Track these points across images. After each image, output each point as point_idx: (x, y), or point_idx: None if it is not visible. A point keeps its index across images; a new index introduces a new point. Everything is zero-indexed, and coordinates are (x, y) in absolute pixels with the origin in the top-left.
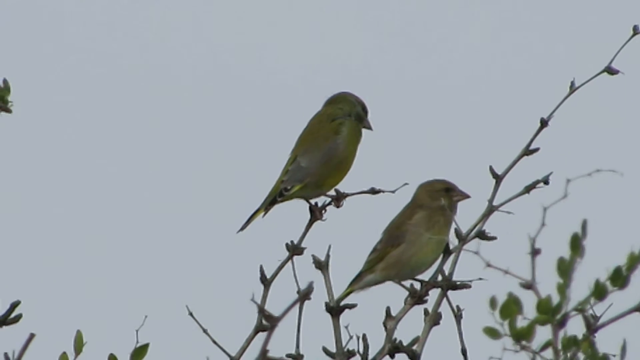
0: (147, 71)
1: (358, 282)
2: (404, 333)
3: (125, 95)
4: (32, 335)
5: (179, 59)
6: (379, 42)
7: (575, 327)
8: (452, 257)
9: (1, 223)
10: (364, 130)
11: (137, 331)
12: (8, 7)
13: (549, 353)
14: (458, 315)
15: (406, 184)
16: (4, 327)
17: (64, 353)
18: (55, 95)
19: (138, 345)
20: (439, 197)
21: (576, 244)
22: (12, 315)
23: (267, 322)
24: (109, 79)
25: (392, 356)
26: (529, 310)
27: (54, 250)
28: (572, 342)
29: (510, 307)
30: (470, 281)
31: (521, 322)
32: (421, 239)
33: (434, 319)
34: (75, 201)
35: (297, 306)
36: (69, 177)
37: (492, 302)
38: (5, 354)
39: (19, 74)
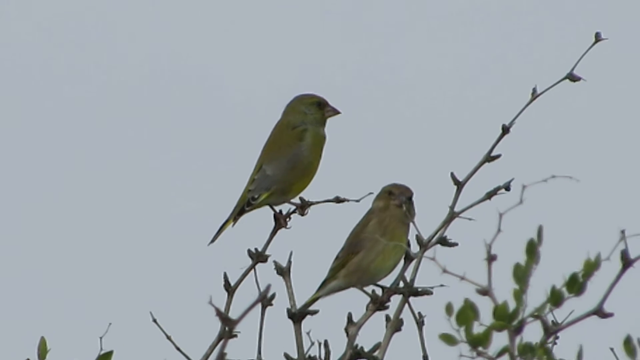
0: (113, 80)
1: (322, 289)
2: (366, 339)
3: (94, 105)
4: None
5: (145, 68)
6: (338, 48)
7: (532, 333)
8: (413, 263)
9: None
10: (328, 137)
11: (101, 338)
12: None
13: (505, 359)
14: (420, 322)
15: (371, 193)
16: None
17: (28, 359)
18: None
19: (102, 352)
20: (381, 199)
21: (532, 250)
22: None
23: (224, 326)
24: (73, 91)
25: None
26: (486, 316)
27: (18, 256)
28: (528, 349)
29: (467, 313)
30: (432, 287)
31: (478, 329)
32: (377, 246)
33: (395, 325)
34: (38, 209)
35: (258, 312)
36: (32, 182)
37: (449, 309)
38: None
39: None
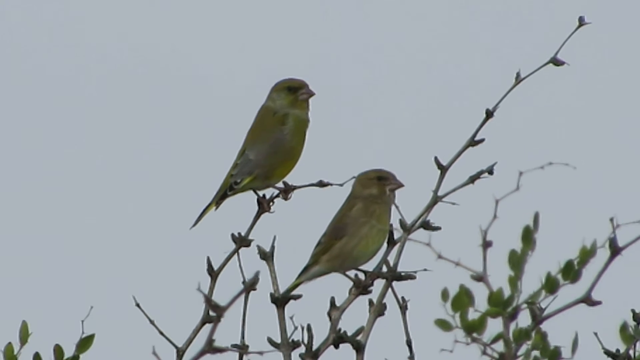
0: (96, 67)
1: (305, 274)
2: (349, 323)
3: (78, 93)
4: None
5: (130, 54)
6: (325, 30)
7: (527, 319)
8: (396, 247)
9: None
10: (311, 123)
11: (82, 322)
12: None
13: (500, 345)
14: (403, 307)
15: (354, 177)
16: None
17: (10, 343)
18: None
19: (84, 335)
20: (370, 186)
21: (528, 236)
22: None
23: (213, 312)
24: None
25: (336, 346)
26: (480, 302)
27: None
28: (523, 335)
29: (462, 300)
30: (415, 272)
31: (472, 315)
32: (361, 231)
33: (378, 309)
34: (23, 192)
35: (242, 297)
36: (17, 168)
37: (444, 294)
38: None
39: None
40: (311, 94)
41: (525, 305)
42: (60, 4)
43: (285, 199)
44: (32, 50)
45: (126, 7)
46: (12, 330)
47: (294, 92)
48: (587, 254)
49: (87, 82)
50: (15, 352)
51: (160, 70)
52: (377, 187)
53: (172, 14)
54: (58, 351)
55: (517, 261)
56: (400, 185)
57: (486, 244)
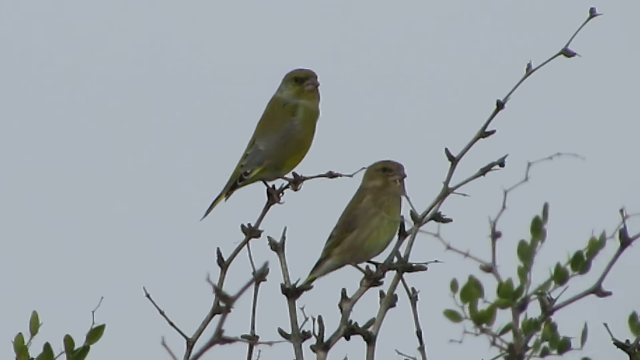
0: (110, 62)
1: (319, 269)
2: (360, 315)
3: (87, 86)
4: None
5: (140, 48)
6: (338, 22)
7: (536, 310)
8: (407, 239)
9: None
10: (321, 112)
11: (93, 312)
12: None
13: (509, 336)
14: (413, 298)
15: (363, 167)
16: None
17: (20, 334)
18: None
19: (94, 326)
20: (376, 177)
21: (537, 227)
22: None
23: (222, 303)
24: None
25: (347, 338)
26: (490, 293)
27: (10, 231)
28: (532, 326)
29: (471, 290)
30: (426, 263)
31: (481, 306)
32: (372, 223)
33: (389, 301)
34: (33, 185)
35: (252, 287)
36: (28, 161)
37: (453, 285)
38: None
39: None
40: (316, 85)
41: (534, 296)
42: (70, 2)
43: (295, 189)
44: (43, 49)
45: (137, 2)
46: (23, 321)
47: (300, 82)
48: (596, 245)
49: (102, 76)
50: (25, 343)
51: (172, 62)
52: (381, 178)
53: (183, 8)
54: (68, 341)
55: (526, 252)
56: (403, 177)
57: (495, 235)
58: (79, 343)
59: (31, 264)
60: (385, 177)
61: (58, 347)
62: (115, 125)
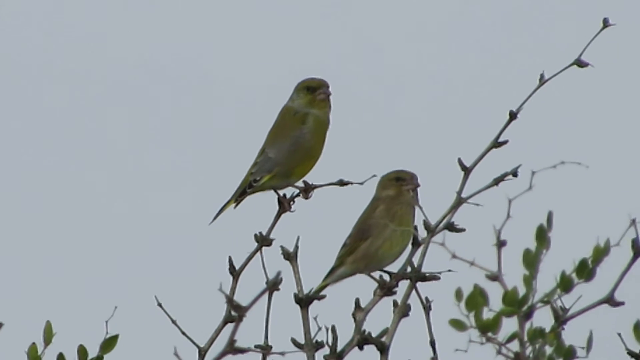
0: (119, 70)
1: (331, 276)
2: (373, 324)
3: (97, 94)
4: (0, 325)
5: (152, 58)
6: (346, 34)
7: (542, 319)
8: (420, 248)
9: None
10: (332, 120)
11: (106, 322)
12: None
13: (515, 345)
14: (427, 307)
15: (374, 175)
16: None
17: (34, 344)
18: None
19: (108, 336)
20: (389, 187)
21: (542, 235)
22: None
23: (235, 312)
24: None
25: (361, 347)
26: (495, 302)
27: (24, 240)
28: (538, 334)
29: (476, 299)
30: (439, 273)
31: (487, 314)
32: (385, 232)
33: (402, 310)
34: (47, 194)
35: (265, 297)
36: (41, 170)
37: (458, 294)
38: None
39: None
40: (328, 94)
41: (540, 305)
42: (79, 13)
43: (306, 198)
44: (56, 59)
45: (146, 12)
46: (36, 331)
47: (312, 91)
48: (600, 253)
49: (112, 84)
50: (39, 353)
51: (182, 70)
52: (394, 188)
53: (191, 18)
54: (82, 351)
55: (531, 260)
56: (416, 186)
57: (500, 244)
58: (92, 353)
59: (44, 274)
60: (399, 186)
61: (72, 357)
62: (125, 134)
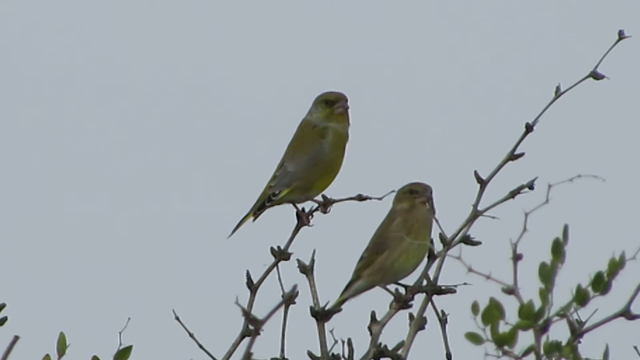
0: (137, 79)
1: (348, 290)
2: (389, 337)
3: (119, 102)
4: (16, 338)
5: (172, 67)
6: (361, 45)
7: (558, 332)
8: (437, 261)
9: None
10: (351, 135)
11: (120, 333)
12: None
13: (531, 358)
14: (443, 320)
15: (393, 190)
16: None
17: (47, 355)
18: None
19: (121, 347)
20: (404, 200)
21: (557, 249)
22: None
23: (251, 326)
24: (93, 83)
25: None
26: (511, 315)
27: (38, 251)
28: (554, 347)
29: (492, 312)
30: (456, 286)
31: (503, 328)
32: (402, 245)
33: (419, 323)
34: (60, 203)
35: (281, 310)
36: (53, 177)
37: (474, 308)
38: None
39: None
40: (345, 108)
41: (556, 318)
42: (96, 23)
43: (325, 212)
44: (71, 69)
45: (158, 22)
46: (50, 342)
47: (330, 105)
48: (616, 266)
49: (129, 97)
50: None
51: (201, 82)
52: (408, 200)
53: (209, 30)
54: None
55: (547, 274)
56: (429, 199)
57: (517, 257)
58: None
59: (58, 285)
60: (412, 199)
61: None
62: (142, 146)
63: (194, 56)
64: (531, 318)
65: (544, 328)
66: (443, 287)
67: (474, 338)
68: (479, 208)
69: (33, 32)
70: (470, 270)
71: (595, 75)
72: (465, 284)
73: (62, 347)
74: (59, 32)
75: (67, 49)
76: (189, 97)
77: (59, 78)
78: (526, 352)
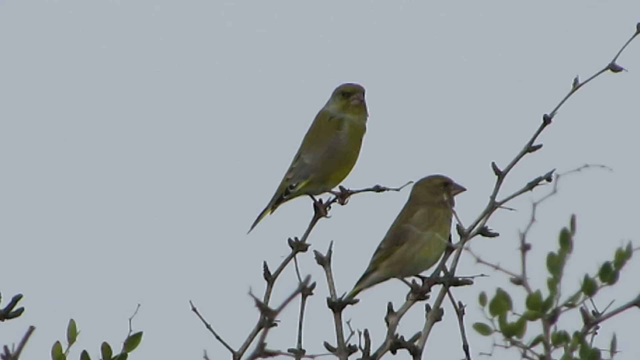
0: (150, 68)
1: (364, 281)
2: (406, 329)
3: (131, 94)
4: (31, 328)
5: (188, 59)
6: (378, 37)
7: (566, 322)
8: (454, 253)
9: None
10: (368, 127)
11: (130, 320)
12: None
13: (539, 348)
14: (460, 312)
15: (410, 182)
16: (5, 320)
17: (58, 342)
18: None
19: (131, 334)
20: (439, 192)
21: (565, 239)
22: (14, 309)
23: (264, 315)
24: (108, 80)
25: (393, 352)
26: (519, 305)
27: (48, 239)
28: (562, 338)
29: (500, 303)
30: (472, 277)
31: (511, 318)
32: (423, 237)
33: (435, 315)
34: (75, 193)
35: (298, 300)
36: (66, 169)
37: (482, 298)
38: (5, 347)
39: None
40: (361, 100)
41: (564, 308)
42: (96, 19)
43: (342, 203)
44: (85, 55)
45: (171, 11)
46: (60, 329)
47: (347, 96)
48: (623, 256)
49: (146, 88)
50: (63, 351)
51: (220, 73)
52: (446, 192)
53: (221, 25)
54: (106, 349)
55: (555, 264)
56: (463, 189)
57: (525, 248)
58: (116, 351)
59: (69, 272)
60: (449, 191)
61: (96, 355)
62: (160, 139)
63: (210, 48)
64: (539, 308)
65: (553, 318)
66: (460, 279)
67: (482, 329)
68: (497, 200)
69: (34, 30)
70: (479, 260)
71: (614, 68)
72: (482, 275)
73: (72, 334)
74: (59, 26)
75: (67, 43)
76: (209, 90)
77: (58, 71)
78: (534, 343)
